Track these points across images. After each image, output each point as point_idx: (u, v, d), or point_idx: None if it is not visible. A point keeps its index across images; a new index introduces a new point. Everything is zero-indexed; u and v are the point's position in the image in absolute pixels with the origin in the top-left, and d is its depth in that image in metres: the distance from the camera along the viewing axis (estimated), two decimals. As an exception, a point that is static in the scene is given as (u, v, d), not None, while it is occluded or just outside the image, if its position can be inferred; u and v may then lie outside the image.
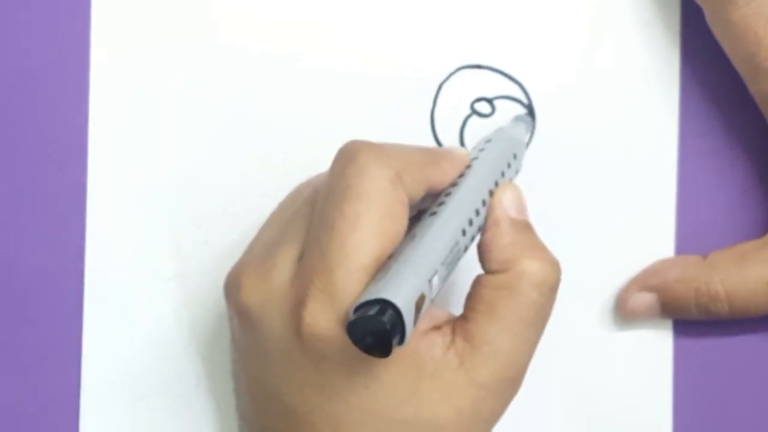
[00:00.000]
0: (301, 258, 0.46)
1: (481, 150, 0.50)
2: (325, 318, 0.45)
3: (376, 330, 0.41)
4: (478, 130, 0.54)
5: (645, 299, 0.53)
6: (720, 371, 0.54)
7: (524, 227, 0.48)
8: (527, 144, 0.53)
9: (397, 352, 0.44)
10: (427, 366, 0.46)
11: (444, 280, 0.45)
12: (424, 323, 0.46)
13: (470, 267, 0.48)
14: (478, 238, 0.48)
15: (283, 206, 0.51)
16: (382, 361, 0.45)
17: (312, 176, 0.51)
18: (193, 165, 0.54)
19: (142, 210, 0.54)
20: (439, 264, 0.45)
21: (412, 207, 0.47)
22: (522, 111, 0.54)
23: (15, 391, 0.54)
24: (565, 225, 0.54)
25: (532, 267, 0.47)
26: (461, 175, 0.49)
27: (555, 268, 0.48)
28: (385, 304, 0.42)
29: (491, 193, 0.48)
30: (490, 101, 0.54)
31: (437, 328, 0.47)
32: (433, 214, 0.47)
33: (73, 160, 0.54)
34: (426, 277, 0.44)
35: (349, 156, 0.47)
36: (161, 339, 0.54)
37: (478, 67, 0.54)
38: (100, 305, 0.54)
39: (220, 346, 0.53)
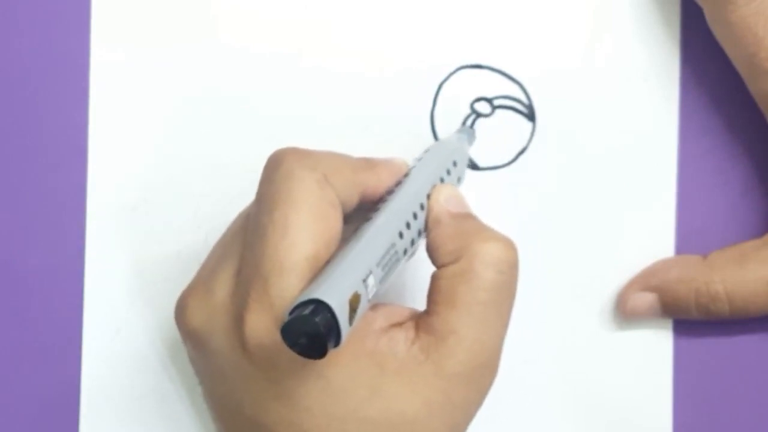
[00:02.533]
0: (239, 271, 0.46)
1: (419, 159, 0.50)
2: (265, 327, 0.44)
3: (311, 331, 0.41)
4: (478, 130, 0.54)
5: (645, 299, 0.53)
6: (720, 371, 0.54)
7: (466, 217, 0.48)
8: (468, 151, 0.53)
9: (351, 353, 0.45)
10: (390, 363, 0.46)
11: (382, 281, 0.45)
12: (383, 321, 0.46)
13: (427, 264, 0.48)
14: (422, 242, 0.48)
15: (227, 229, 0.50)
16: (333, 364, 0.45)
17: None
18: (193, 165, 0.54)
19: (142, 210, 0.54)
20: (374, 264, 0.44)
21: (347, 213, 0.47)
22: (523, 119, 0.54)
23: (15, 391, 0.54)
24: (565, 225, 0.54)
25: (483, 248, 0.46)
26: (399, 183, 0.49)
27: (508, 245, 0.47)
28: (318, 305, 0.41)
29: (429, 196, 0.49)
30: (490, 101, 0.54)
31: (398, 324, 0.47)
32: (369, 219, 0.47)
33: (73, 160, 0.54)
34: (360, 277, 0.43)
35: (275, 162, 0.47)
36: (161, 339, 0.54)
37: (478, 67, 0.54)
38: (100, 305, 0.54)
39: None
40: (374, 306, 0.47)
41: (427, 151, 0.51)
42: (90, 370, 0.54)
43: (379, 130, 0.54)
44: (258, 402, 0.46)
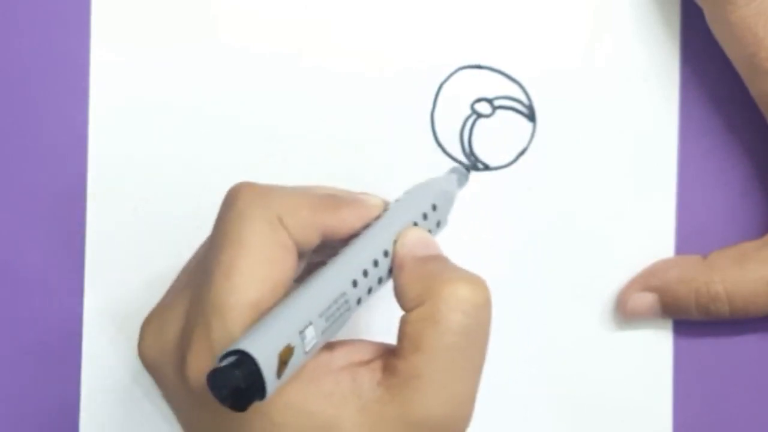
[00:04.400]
0: (188, 309, 0.45)
1: (397, 200, 0.49)
2: (203, 371, 0.43)
3: (232, 383, 0.40)
4: (478, 130, 0.54)
5: (645, 299, 0.53)
6: (720, 371, 0.54)
7: (433, 259, 0.46)
8: (456, 194, 0.51)
9: (302, 395, 0.43)
10: (351, 402, 0.44)
11: (327, 332, 0.43)
12: (343, 359, 0.45)
13: None
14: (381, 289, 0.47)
15: (192, 256, 0.49)
16: (279, 406, 0.43)
17: None
18: (193, 165, 0.54)
19: (142, 210, 0.54)
20: (316, 315, 0.43)
21: (306, 251, 0.46)
22: (524, 120, 0.54)
23: (15, 392, 0.54)
24: (565, 225, 0.54)
25: (448, 290, 0.44)
26: (368, 227, 0.47)
27: (476, 286, 0.45)
28: (243, 356, 0.40)
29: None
30: (490, 101, 0.54)
31: (365, 363, 0.45)
32: (324, 265, 0.45)
33: (73, 160, 0.54)
34: (295, 329, 0.42)
35: (230, 200, 0.45)
36: (161, 339, 0.54)
37: (478, 67, 0.54)
38: (100, 305, 0.54)
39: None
40: (333, 344, 0.45)
41: (407, 192, 0.49)
42: (90, 371, 0.54)
43: (380, 130, 0.54)
44: None
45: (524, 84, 0.54)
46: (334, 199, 0.47)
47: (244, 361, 0.40)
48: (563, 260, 0.54)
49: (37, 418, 0.54)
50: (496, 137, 0.54)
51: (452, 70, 0.54)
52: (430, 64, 0.54)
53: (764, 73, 0.50)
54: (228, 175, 0.53)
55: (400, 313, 0.45)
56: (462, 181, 0.51)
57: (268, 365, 0.40)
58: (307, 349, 0.43)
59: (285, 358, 0.41)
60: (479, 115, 0.54)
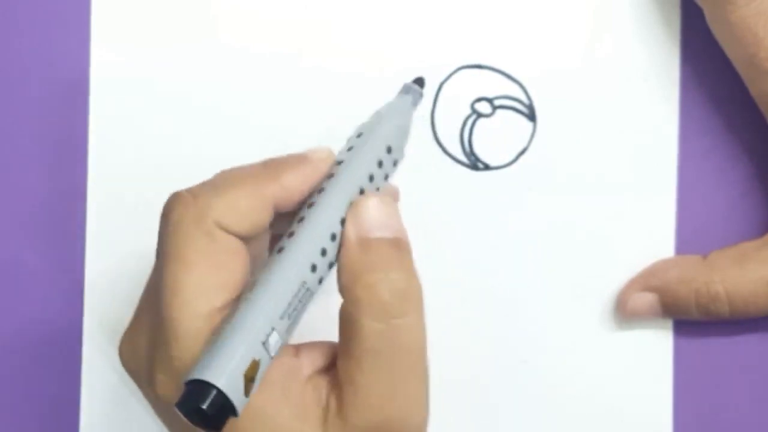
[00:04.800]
0: (152, 327, 0.45)
1: (349, 149, 0.45)
2: (170, 389, 0.43)
3: (203, 411, 0.40)
4: (478, 129, 0.54)
5: (645, 299, 0.53)
6: (720, 371, 0.54)
7: (376, 245, 0.44)
8: (410, 120, 0.48)
9: (272, 405, 0.42)
10: (312, 413, 0.43)
11: (290, 329, 0.42)
12: (309, 367, 0.44)
13: None
14: None
15: (153, 267, 0.48)
16: (252, 420, 0.42)
17: None
18: (194, 165, 0.54)
19: (142, 210, 0.54)
20: (277, 318, 0.42)
21: (261, 234, 0.45)
22: (524, 119, 0.54)
23: (15, 391, 0.54)
24: (565, 225, 0.54)
25: (364, 293, 0.42)
26: (321, 190, 0.44)
27: (397, 291, 0.42)
28: (206, 386, 0.40)
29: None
30: (490, 101, 0.54)
31: (325, 369, 0.44)
32: (280, 250, 0.43)
33: (73, 160, 0.54)
34: (258, 341, 0.41)
35: (165, 216, 0.44)
36: (161, 339, 0.54)
37: (478, 67, 0.54)
38: (100, 305, 0.54)
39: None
40: (299, 348, 0.45)
41: (358, 135, 0.46)
42: (90, 370, 0.54)
43: (380, 130, 0.54)
44: None
45: (524, 84, 0.54)
46: (272, 167, 0.45)
47: (209, 390, 0.40)
48: (563, 260, 0.54)
49: (37, 418, 0.54)
50: (496, 137, 0.54)
51: (452, 70, 0.54)
52: (430, 64, 0.54)
53: (764, 73, 0.50)
54: (228, 175, 0.54)
55: None
56: (416, 99, 0.48)
57: (234, 389, 0.40)
58: (272, 354, 0.42)
59: (251, 374, 0.41)
60: (479, 115, 0.54)
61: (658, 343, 0.54)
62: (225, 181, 0.45)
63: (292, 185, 0.44)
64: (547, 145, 0.54)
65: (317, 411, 0.43)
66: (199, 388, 0.40)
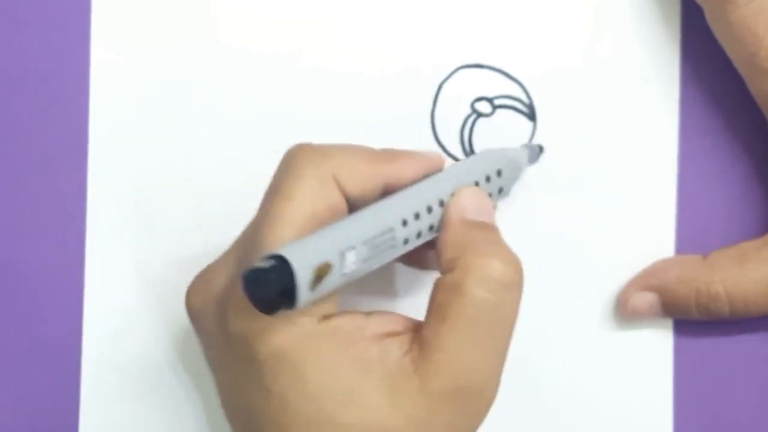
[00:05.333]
0: (236, 261, 0.47)
1: (463, 159, 0.50)
2: (244, 319, 0.44)
3: (267, 285, 0.41)
4: (478, 129, 0.54)
5: (645, 299, 0.53)
6: (720, 371, 0.54)
7: (479, 226, 0.47)
8: (524, 168, 0.52)
9: (333, 355, 0.44)
10: (377, 371, 0.44)
11: (367, 262, 0.44)
12: (376, 328, 0.45)
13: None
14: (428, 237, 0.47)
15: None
16: (311, 363, 0.44)
17: None
18: (194, 165, 0.54)
19: (142, 210, 0.54)
20: (360, 241, 0.43)
21: (366, 203, 0.46)
22: (524, 119, 0.54)
23: (15, 391, 0.54)
24: (565, 225, 0.54)
25: (477, 264, 0.45)
26: (428, 177, 0.48)
27: (508, 264, 0.45)
28: (281, 261, 0.41)
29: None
30: (490, 101, 0.54)
31: (395, 334, 0.46)
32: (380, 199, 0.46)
33: (73, 160, 0.54)
34: (337, 248, 0.43)
35: (287, 158, 0.47)
36: (161, 339, 0.54)
37: (478, 66, 0.54)
38: (100, 305, 0.54)
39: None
40: (369, 313, 0.46)
41: (476, 153, 0.50)
42: (90, 370, 0.54)
43: (379, 130, 0.54)
44: (245, 394, 0.46)
45: (524, 83, 0.54)
46: (391, 152, 0.48)
47: (281, 267, 0.41)
48: (563, 260, 0.54)
49: (37, 418, 0.54)
50: (496, 136, 0.54)
51: (452, 69, 0.54)
52: (430, 64, 0.54)
53: (764, 72, 0.50)
54: (228, 175, 0.54)
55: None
56: (533, 157, 0.52)
57: (303, 275, 0.41)
58: (345, 271, 0.43)
59: (321, 273, 0.42)
60: (479, 115, 0.54)
61: (658, 343, 0.54)
62: (347, 145, 0.47)
63: (405, 170, 0.47)
64: (547, 144, 0.54)
65: (381, 371, 0.44)
66: (267, 262, 0.41)
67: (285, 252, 0.41)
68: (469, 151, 0.54)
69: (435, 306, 0.45)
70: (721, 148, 0.54)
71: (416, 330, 0.46)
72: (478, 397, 0.45)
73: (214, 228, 0.54)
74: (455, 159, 0.54)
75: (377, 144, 0.53)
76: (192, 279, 0.49)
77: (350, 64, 0.54)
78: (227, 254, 0.48)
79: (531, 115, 0.54)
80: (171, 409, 0.54)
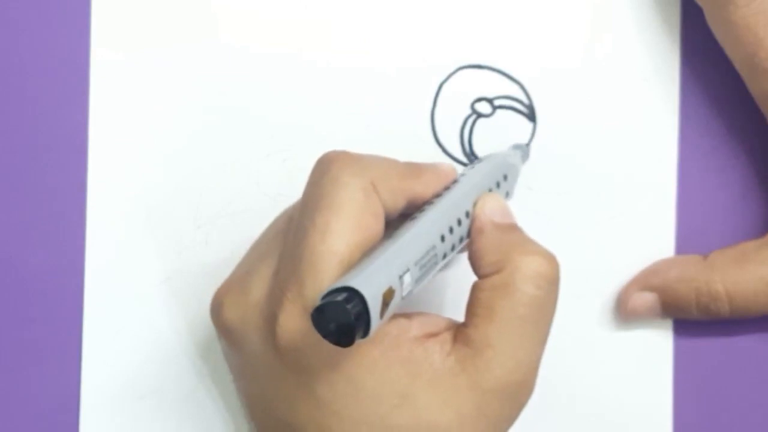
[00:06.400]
0: (276, 272, 0.46)
1: (471, 168, 0.50)
2: (297, 328, 0.44)
3: (340, 318, 0.41)
4: (478, 129, 0.54)
5: (645, 299, 0.53)
6: (720, 371, 0.54)
7: (511, 228, 0.48)
8: (520, 169, 0.53)
9: (383, 359, 0.45)
10: (424, 372, 0.45)
11: (418, 282, 0.45)
12: (418, 330, 0.46)
13: (470, 273, 0.48)
14: (460, 250, 0.48)
15: (268, 227, 0.50)
16: (363, 369, 0.45)
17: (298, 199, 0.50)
18: (193, 165, 0.54)
19: (142, 210, 0.54)
20: (412, 263, 0.44)
21: (392, 218, 0.47)
22: (524, 120, 0.54)
23: (15, 391, 0.54)
24: (565, 225, 0.54)
25: (524, 262, 0.46)
26: (447, 189, 0.48)
27: (550, 261, 0.47)
28: (351, 293, 0.41)
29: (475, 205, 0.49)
30: (490, 101, 0.54)
31: (435, 335, 0.46)
32: (413, 218, 0.47)
33: (73, 160, 0.54)
34: (396, 273, 0.43)
35: (324, 166, 0.46)
36: (161, 339, 0.54)
37: (478, 67, 0.54)
38: (100, 305, 0.54)
39: (220, 346, 0.53)
40: (410, 314, 0.47)
41: (479, 161, 0.51)
42: (90, 370, 0.54)
43: (380, 129, 0.54)
44: (288, 403, 0.46)
45: (524, 84, 0.54)
46: (417, 166, 0.48)
47: (353, 298, 0.41)
48: (563, 260, 0.53)
49: (37, 418, 0.54)
50: (496, 137, 0.54)
51: (452, 70, 0.54)
52: (430, 63, 0.54)
53: (764, 72, 0.50)
54: (228, 175, 0.54)
55: (462, 292, 0.47)
56: (524, 157, 0.53)
57: (374, 303, 0.41)
58: (404, 294, 0.44)
59: (388, 299, 0.42)
60: (479, 115, 0.54)
61: (658, 343, 0.54)
62: (380, 157, 0.48)
63: (429, 185, 0.48)
64: (547, 145, 0.54)
65: (429, 371, 0.45)
66: (340, 296, 0.41)
67: (355, 284, 0.41)
68: (468, 152, 0.54)
69: (480, 306, 0.46)
70: (721, 148, 0.54)
71: (452, 329, 0.47)
72: (525, 389, 0.47)
73: (214, 228, 0.54)
74: (455, 159, 0.54)
75: (377, 144, 0.53)
76: (216, 292, 0.49)
77: (350, 64, 0.54)
78: (255, 266, 0.48)
79: (531, 116, 0.54)
80: (171, 409, 0.54)
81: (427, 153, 0.54)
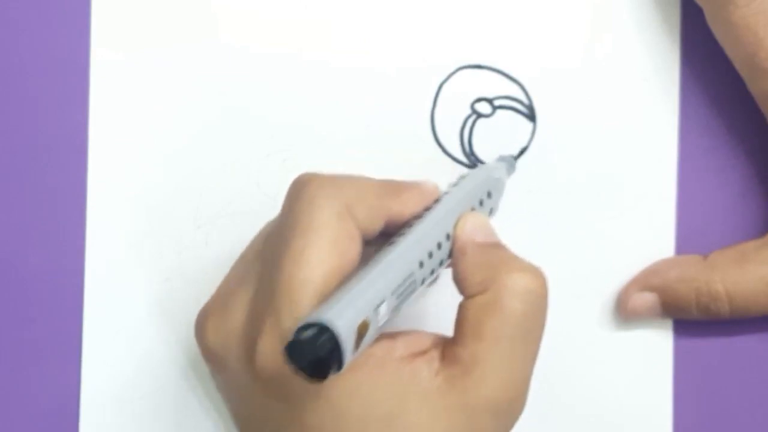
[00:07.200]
0: (254, 297, 0.46)
1: (454, 185, 0.50)
2: (276, 358, 0.44)
3: (313, 354, 0.41)
4: (478, 129, 0.54)
5: (645, 299, 0.53)
6: (720, 371, 0.54)
7: (493, 246, 0.47)
8: (505, 182, 0.52)
9: (368, 382, 0.44)
10: (412, 392, 0.45)
11: (395, 311, 0.44)
12: (404, 349, 0.46)
13: (452, 287, 0.47)
14: (442, 271, 0.48)
15: (249, 245, 0.50)
16: (348, 394, 0.44)
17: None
18: (193, 165, 0.54)
19: (142, 210, 0.54)
20: (389, 293, 0.44)
21: (370, 239, 0.46)
22: (524, 119, 0.54)
23: (15, 392, 0.54)
24: (565, 225, 0.54)
25: (510, 279, 0.45)
26: (428, 209, 0.48)
27: (537, 276, 0.46)
28: (322, 329, 0.41)
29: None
30: (490, 101, 0.54)
31: (422, 353, 0.46)
32: (391, 243, 0.46)
33: (73, 160, 0.54)
34: (372, 304, 0.43)
35: (298, 189, 0.46)
36: (161, 339, 0.54)
37: (478, 67, 0.54)
38: (100, 305, 0.54)
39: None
40: (394, 334, 0.46)
41: (462, 177, 0.50)
42: (90, 371, 0.54)
43: (379, 130, 0.54)
44: (276, 429, 0.46)
45: (524, 84, 0.54)
46: (395, 185, 0.47)
47: (325, 333, 0.41)
48: (563, 260, 0.54)
49: (37, 418, 0.54)
50: (496, 137, 0.54)
51: (452, 70, 0.54)
52: (430, 64, 0.54)
53: (764, 72, 0.50)
54: (228, 175, 0.54)
55: (445, 304, 0.46)
56: (510, 169, 0.52)
57: (347, 339, 0.41)
58: (379, 325, 0.43)
59: (362, 332, 0.42)
60: (479, 115, 0.54)
61: (658, 343, 0.54)
62: (356, 177, 0.47)
63: (408, 204, 0.47)
64: (547, 145, 0.54)
65: (416, 392, 0.45)
66: (311, 331, 0.41)
67: (326, 319, 0.41)
68: (468, 152, 0.54)
69: (468, 325, 0.45)
70: (721, 148, 0.54)
71: (439, 346, 0.46)
72: (515, 406, 0.46)
73: (214, 228, 0.54)
74: (455, 159, 0.54)
75: (377, 144, 0.54)
76: (198, 312, 0.49)
77: (350, 64, 0.54)
78: (234, 288, 0.47)
79: (531, 116, 0.54)
80: (170, 409, 0.54)
81: (427, 153, 0.54)
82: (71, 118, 0.54)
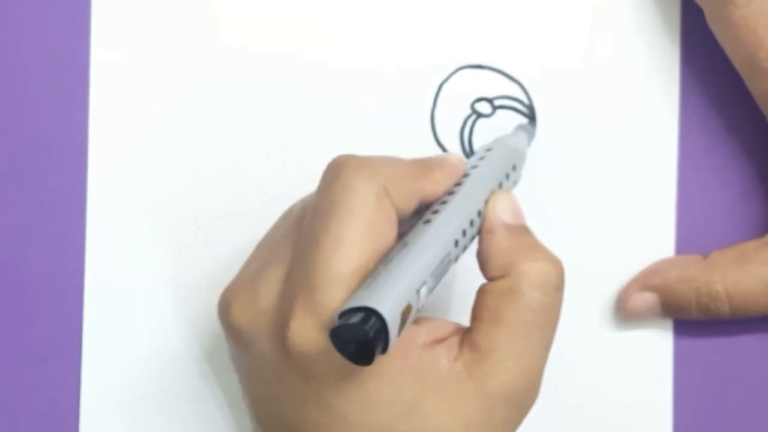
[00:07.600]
0: (287, 277, 0.46)
1: (481, 158, 0.50)
2: (309, 335, 0.44)
3: (359, 338, 0.41)
4: (478, 129, 0.54)
5: (645, 299, 0.53)
6: (720, 371, 0.54)
7: (521, 231, 0.48)
8: (527, 152, 0.52)
9: (393, 366, 0.45)
10: (431, 379, 0.45)
11: (431, 290, 0.45)
12: (426, 336, 0.46)
13: (475, 276, 0.48)
14: (472, 247, 0.48)
15: (275, 226, 0.50)
16: (374, 376, 0.45)
17: (304, 196, 0.50)
18: (193, 165, 0.54)
19: (142, 210, 0.54)
20: (428, 275, 0.44)
21: (403, 219, 0.47)
22: (523, 119, 0.54)
23: (15, 392, 0.54)
24: (565, 225, 0.54)
25: (531, 268, 0.46)
26: (458, 184, 0.48)
27: (557, 267, 0.47)
28: (369, 312, 0.41)
29: (487, 203, 0.48)
30: (490, 101, 0.54)
31: (441, 340, 0.46)
32: (427, 222, 0.46)
33: (73, 160, 0.54)
34: (414, 288, 0.43)
35: (335, 172, 0.46)
36: (161, 339, 0.54)
37: (478, 67, 0.54)
38: (100, 305, 0.54)
39: (220, 346, 0.53)
40: (417, 320, 0.46)
41: (488, 150, 0.50)
42: (90, 370, 0.54)
43: (380, 129, 0.54)
44: (297, 408, 0.46)
45: (524, 84, 0.54)
46: (425, 165, 0.48)
47: (371, 317, 0.41)
48: (563, 260, 0.54)
49: (37, 419, 0.54)
50: (496, 137, 0.54)
51: (452, 70, 0.54)
52: (430, 64, 0.54)
53: (764, 72, 0.50)
54: (228, 175, 0.54)
55: (464, 295, 0.47)
56: (530, 138, 0.53)
57: (393, 323, 0.41)
58: (419, 306, 0.44)
59: (406, 315, 0.42)
60: (479, 115, 0.54)
61: (658, 343, 0.54)
62: (390, 158, 0.47)
63: (440, 182, 0.47)
64: (547, 145, 0.54)
65: (435, 378, 0.45)
66: (358, 315, 0.41)
67: (374, 303, 0.41)
68: (469, 152, 0.54)
69: (487, 311, 0.46)
70: (721, 148, 0.54)
71: (459, 333, 0.47)
72: (530, 394, 0.47)
73: (214, 228, 0.54)
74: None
75: (377, 144, 0.53)
76: (222, 292, 0.49)
77: (350, 65, 0.54)
78: (265, 268, 0.47)
79: (531, 116, 0.54)
80: (171, 409, 0.54)
81: (427, 153, 0.53)
82: (71, 118, 0.54)
